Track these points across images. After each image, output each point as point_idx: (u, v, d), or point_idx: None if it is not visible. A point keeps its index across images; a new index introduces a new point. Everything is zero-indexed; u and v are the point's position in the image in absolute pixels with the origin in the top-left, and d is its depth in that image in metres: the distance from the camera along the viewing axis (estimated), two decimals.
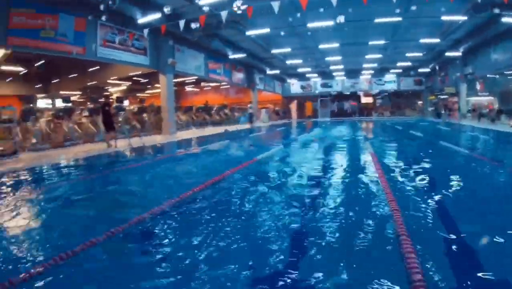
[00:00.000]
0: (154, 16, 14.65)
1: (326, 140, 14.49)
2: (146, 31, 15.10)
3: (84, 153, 11.53)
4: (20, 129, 12.31)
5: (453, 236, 3.43)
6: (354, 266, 2.88)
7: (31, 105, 13.80)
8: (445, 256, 3.03)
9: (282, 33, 20.16)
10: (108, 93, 29.72)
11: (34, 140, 12.91)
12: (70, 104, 16.17)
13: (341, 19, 16.23)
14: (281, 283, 2.61)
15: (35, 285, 2.66)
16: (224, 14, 13.52)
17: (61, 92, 26.61)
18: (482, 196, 5.15)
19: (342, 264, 2.88)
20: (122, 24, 15.55)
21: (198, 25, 15.94)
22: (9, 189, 6.33)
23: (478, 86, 28.55)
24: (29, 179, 7.52)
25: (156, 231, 3.87)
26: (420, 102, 40.76)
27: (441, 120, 27.97)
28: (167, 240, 3.57)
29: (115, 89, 33.17)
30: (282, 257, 3.06)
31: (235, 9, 13.65)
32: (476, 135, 16.04)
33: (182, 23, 13.74)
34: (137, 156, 11.42)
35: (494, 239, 3.27)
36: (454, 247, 3.21)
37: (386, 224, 3.84)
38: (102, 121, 13.45)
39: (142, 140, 14.09)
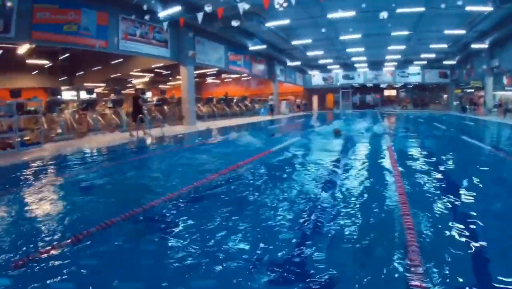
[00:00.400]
0: (174, 9, 14.85)
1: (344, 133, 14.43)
2: (165, 24, 15.27)
3: (107, 142, 11.93)
4: (46, 120, 12.72)
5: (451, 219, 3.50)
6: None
7: (57, 96, 14.14)
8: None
9: (303, 24, 20.05)
10: (137, 85, 30.18)
11: (59, 131, 13.33)
12: (94, 96, 16.53)
13: (384, 15, 16.12)
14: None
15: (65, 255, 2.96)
16: (242, 6, 13.42)
17: (85, 84, 27.27)
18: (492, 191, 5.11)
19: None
20: (143, 17, 15.78)
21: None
22: (34, 174, 6.73)
23: (505, 81, 27.66)
24: (52, 166, 7.87)
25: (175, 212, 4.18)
26: (445, 96, 39.75)
27: (465, 115, 27.33)
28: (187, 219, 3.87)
29: (138, 81, 33.73)
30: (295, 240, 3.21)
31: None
32: (498, 131, 15.72)
33: (200, 15, 13.74)
34: (158, 145, 11.92)
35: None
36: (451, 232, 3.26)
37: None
38: (133, 112, 13.90)
39: (163, 131, 14.33)
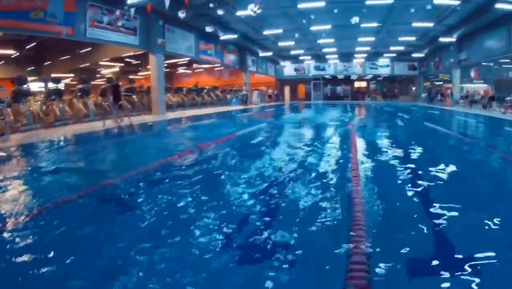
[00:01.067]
0: None
1: (312, 120, 14.83)
2: (133, 10, 15.16)
3: (73, 131, 11.87)
4: (12, 110, 12.43)
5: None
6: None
7: (23, 86, 13.78)
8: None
9: (274, 14, 20.18)
10: (106, 75, 29.57)
11: (25, 122, 13.03)
12: (61, 85, 16.20)
13: (356, 19, 16.48)
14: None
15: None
16: None
17: (53, 75, 26.47)
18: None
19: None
20: (112, 4, 15.55)
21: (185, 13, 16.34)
22: None
23: (472, 74, 28.68)
24: (18, 154, 7.82)
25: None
26: (414, 88, 40.87)
27: (432, 106, 28.23)
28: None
29: (107, 71, 33.03)
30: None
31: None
32: (461, 119, 16.49)
33: (167, 1, 13.68)
34: (127, 132, 12.24)
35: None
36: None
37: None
38: (113, 99, 14.04)
39: (131, 120, 14.33)
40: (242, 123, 14.15)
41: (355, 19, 16.65)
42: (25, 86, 14.13)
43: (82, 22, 14.47)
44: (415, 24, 21.46)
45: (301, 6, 17.75)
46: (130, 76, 33.14)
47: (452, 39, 23.62)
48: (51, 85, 15.78)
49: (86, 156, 7.55)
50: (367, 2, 16.82)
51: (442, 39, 24.18)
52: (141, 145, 9.46)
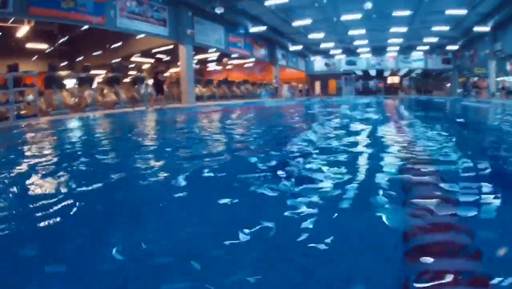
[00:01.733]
0: None
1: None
2: None
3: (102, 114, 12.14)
4: (44, 95, 12.80)
5: None
6: None
7: (54, 73, 14.25)
8: None
9: (302, 4, 19.90)
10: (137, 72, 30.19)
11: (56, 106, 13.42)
12: (90, 74, 16.67)
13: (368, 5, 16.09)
14: None
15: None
16: None
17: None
18: None
19: None
20: None
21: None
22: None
23: (508, 67, 27.38)
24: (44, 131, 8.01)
25: None
26: (448, 84, 39.30)
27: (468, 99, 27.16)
28: None
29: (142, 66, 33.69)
30: None
31: None
32: (493, 109, 15.73)
33: None
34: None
35: None
36: None
37: None
38: (155, 86, 16.13)
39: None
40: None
41: (367, 5, 16.12)
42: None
43: (112, 12, 14.70)
44: (448, 12, 20.52)
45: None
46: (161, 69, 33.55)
47: (487, 28, 22.46)
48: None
49: None
50: None
51: (477, 29, 23.06)
52: None
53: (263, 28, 23.36)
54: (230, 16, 20.20)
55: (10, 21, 16.46)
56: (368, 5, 16.18)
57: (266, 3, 18.56)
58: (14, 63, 12.61)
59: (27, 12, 12.00)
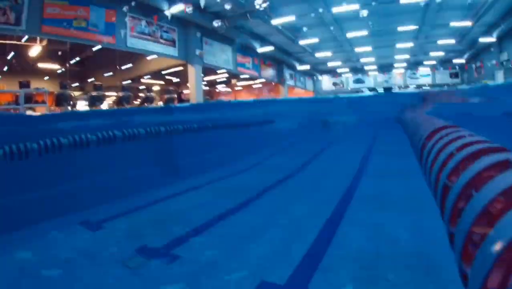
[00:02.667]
0: (179, 6, 15.30)
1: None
2: (169, 14, 15.69)
3: None
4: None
5: None
6: None
7: (66, 90, 14.52)
8: None
9: (309, 23, 20.23)
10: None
11: None
12: (101, 92, 16.93)
13: (363, 13, 16.31)
14: None
15: None
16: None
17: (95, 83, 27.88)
18: None
19: None
20: (151, 16, 16.17)
21: (220, 23, 16.87)
22: None
23: None
24: None
25: None
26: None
27: None
28: None
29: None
30: None
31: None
32: None
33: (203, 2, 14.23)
34: None
35: None
36: None
37: None
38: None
39: None
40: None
41: (363, 13, 16.31)
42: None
43: (122, 32, 15.08)
44: (452, 24, 20.65)
45: (335, 10, 17.62)
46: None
47: (493, 39, 22.61)
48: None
49: None
50: (402, 1, 16.41)
51: (482, 40, 23.18)
52: None
53: (271, 48, 23.74)
54: (237, 36, 20.58)
55: (24, 39, 16.94)
56: (364, 13, 16.34)
57: (273, 22, 18.87)
58: (26, 80, 12.92)
59: (40, 30, 12.41)
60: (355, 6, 16.87)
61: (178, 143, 10.64)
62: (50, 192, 6.68)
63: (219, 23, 17.53)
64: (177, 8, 15.55)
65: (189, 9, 15.43)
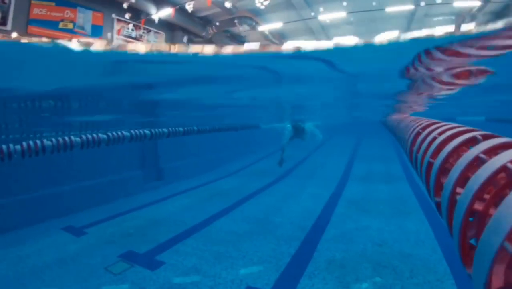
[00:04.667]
0: (167, 11, 15.26)
1: None
2: (156, 17, 15.63)
3: None
4: None
5: None
6: None
7: None
8: None
9: (296, 28, 20.29)
10: None
11: None
12: None
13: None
14: None
15: None
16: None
17: None
18: None
19: None
20: (137, 19, 16.07)
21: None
22: None
23: None
24: None
25: None
26: None
27: None
28: None
29: None
30: None
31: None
32: None
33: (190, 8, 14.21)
34: None
35: None
36: None
37: None
38: None
39: None
40: None
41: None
42: None
43: (109, 34, 14.96)
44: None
45: (321, 17, 17.74)
46: None
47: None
48: None
49: None
50: (387, 10, 16.49)
51: None
52: None
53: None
54: (223, 40, 20.54)
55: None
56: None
57: (260, 28, 18.92)
58: None
59: (26, 30, 12.22)
60: (341, 14, 16.98)
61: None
62: (32, 196, 6.58)
63: (205, 32, 17.61)
64: (165, 12, 15.49)
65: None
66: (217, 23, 18.09)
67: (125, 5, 14.79)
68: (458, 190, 1.19)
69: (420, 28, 20.19)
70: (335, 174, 11.19)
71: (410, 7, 16.52)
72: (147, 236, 5.75)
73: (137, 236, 5.78)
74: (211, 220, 6.55)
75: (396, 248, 4.86)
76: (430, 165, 1.64)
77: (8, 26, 11.39)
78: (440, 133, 1.81)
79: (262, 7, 15.53)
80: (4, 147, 4.05)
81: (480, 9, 16.67)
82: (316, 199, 7.96)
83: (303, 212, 6.91)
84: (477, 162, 1.19)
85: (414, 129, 2.47)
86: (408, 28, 20.62)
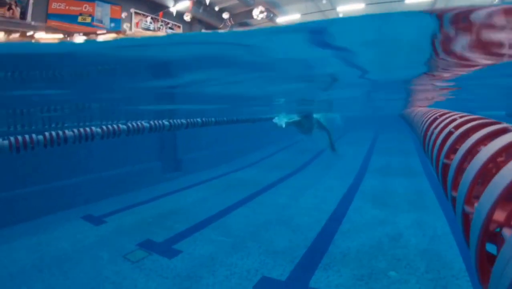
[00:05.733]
0: (185, 3, 15.32)
1: None
2: (174, 10, 15.71)
3: None
4: None
5: None
6: None
7: None
8: None
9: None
10: None
11: None
12: None
13: None
14: None
15: None
16: None
17: None
18: None
19: None
20: (155, 12, 16.19)
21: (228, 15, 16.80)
22: None
23: None
24: None
25: None
26: None
27: None
28: None
29: None
30: None
31: None
32: None
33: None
34: None
35: None
36: None
37: None
38: None
39: None
40: None
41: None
42: None
43: (128, 29, 15.11)
44: None
45: (340, 9, 17.55)
46: None
47: None
48: None
49: None
50: (407, 1, 16.26)
51: None
52: None
53: None
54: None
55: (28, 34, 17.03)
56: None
57: (278, 20, 18.84)
58: None
59: (45, 24, 12.44)
60: (359, 5, 16.79)
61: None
62: (52, 186, 6.74)
63: (225, 20, 17.59)
64: (183, 5, 15.57)
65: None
66: (234, 15, 18.11)
67: None
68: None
69: None
70: (353, 167, 11.11)
71: None
72: (165, 226, 5.84)
73: (155, 225, 5.88)
74: (228, 211, 6.61)
75: (412, 243, 4.83)
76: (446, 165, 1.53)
77: (28, 21, 11.61)
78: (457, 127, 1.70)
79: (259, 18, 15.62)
80: (27, 137, 4.15)
81: None
82: (333, 191, 7.93)
83: (320, 204, 6.91)
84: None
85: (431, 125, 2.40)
86: None
